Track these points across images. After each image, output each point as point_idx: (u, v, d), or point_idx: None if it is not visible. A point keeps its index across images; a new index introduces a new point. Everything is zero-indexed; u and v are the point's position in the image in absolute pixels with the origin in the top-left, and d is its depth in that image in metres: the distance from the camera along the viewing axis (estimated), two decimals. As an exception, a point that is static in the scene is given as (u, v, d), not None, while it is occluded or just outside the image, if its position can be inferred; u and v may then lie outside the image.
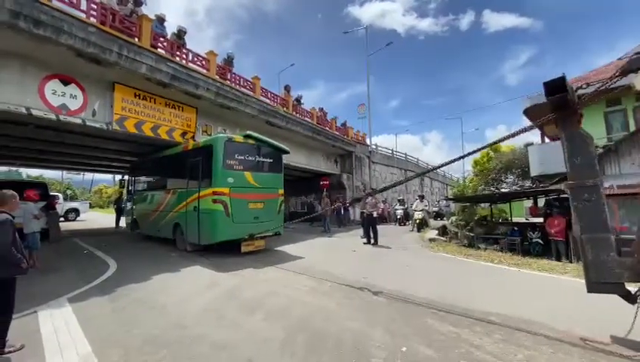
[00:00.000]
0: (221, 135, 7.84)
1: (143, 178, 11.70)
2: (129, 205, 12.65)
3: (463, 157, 4.78)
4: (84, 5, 6.90)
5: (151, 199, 10.38)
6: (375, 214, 10.21)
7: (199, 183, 7.74)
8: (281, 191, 8.67)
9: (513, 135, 4.03)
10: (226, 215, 7.14)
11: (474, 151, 4.75)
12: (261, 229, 7.79)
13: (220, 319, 3.84)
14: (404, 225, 16.62)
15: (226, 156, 7.39)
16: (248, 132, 8.22)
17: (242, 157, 7.76)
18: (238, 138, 7.94)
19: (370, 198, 10.61)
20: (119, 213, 16.43)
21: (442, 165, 5.54)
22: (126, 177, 14.01)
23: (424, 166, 29.47)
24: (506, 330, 3.44)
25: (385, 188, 6.60)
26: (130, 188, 12.62)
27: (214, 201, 7.13)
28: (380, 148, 22.72)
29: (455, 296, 4.63)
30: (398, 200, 18.74)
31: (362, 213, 11.21)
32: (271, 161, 8.52)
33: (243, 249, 7.56)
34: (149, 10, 9.16)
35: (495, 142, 4.60)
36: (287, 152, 9.08)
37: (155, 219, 9.78)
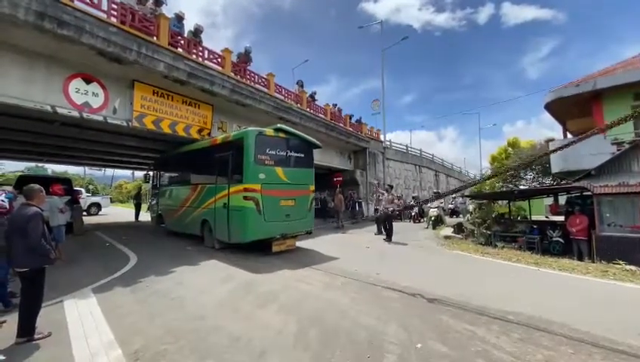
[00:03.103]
0: (252, 128, 7.43)
1: (168, 173, 11.47)
2: (154, 200, 12.49)
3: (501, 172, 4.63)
4: (104, 5, 7.10)
5: (177, 194, 10.12)
6: (391, 210, 10.15)
7: (229, 179, 7.45)
8: (312, 187, 8.37)
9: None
10: (258, 213, 6.81)
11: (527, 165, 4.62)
12: (293, 228, 7.57)
13: (236, 311, 3.93)
14: (419, 222, 16.43)
15: (258, 151, 7.02)
16: (279, 125, 7.91)
17: (273, 152, 7.39)
18: (270, 131, 7.52)
19: (385, 194, 10.57)
20: (138, 207, 16.97)
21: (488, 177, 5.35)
22: (151, 172, 13.75)
23: (439, 162, 28.98)
24: (524, 329, 3.37)
25: (446, 194, 6.40)
26: (155, 182, 12.45)
27: (245, 198, 6.82)
28: (394, 145, 22.48)
29: (471, 294, 4.56)
30: (413, 197, 18.52)
31: (376, 209, 11.18)
32: (302, 155, 8.11)
33: (274, 248, 7.27)
34: (168, 10, 9.31)
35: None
36: (318, 146, 8.76)
37: (181, 214, 9.57)
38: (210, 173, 8.37)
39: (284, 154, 7.71)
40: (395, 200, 11.91)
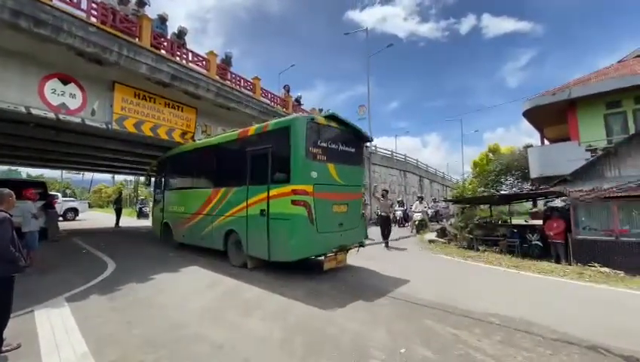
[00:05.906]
0: (299, 115, 6.09)
1: (178, 173, 9.40)
2: (157, 206, 10.25)
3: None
4: (84, 5, 6.92)
5: (191, 199, 8.19)
6: (392, 216, 10.25)
7: (269, 178, 5.87)
8: (364, 189, 7.04)
9: None
10: (310, 222, 5.41)
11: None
12: (347, 239, 6.09)
13: (219, 319, 3.83)
14: (404, 226, 16.60)
15: (309, 142, 5.58)
16: (331, 111, 6.68)
17: (325, 145, 5.93)
18: (321, 119, 6.11)
19: (383, 199, 10.74)
20: (119, 213, 16.43)
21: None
22: (153, 172, 11.56)
23: (423, 167, 29.50)
24: (505, 332, 3.43)
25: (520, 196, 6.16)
26: (159, 184, 10.23)
27: (294, 203, 5.33)
28: (379, 150, 22.73)
29: (454, 297, 4.62)
30: (398, 202, 18.72)
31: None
32: (353, 150, 6.60)
33: (326, 266, 5.69)
34: (153, 12, 9.16)
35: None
36: (370, 140, 7.66)
37: (196, 224, 7.82)
38: (238, 172, 6.69)
39: (336, 147, 6.21)
40: (394, 205, 12.07)
